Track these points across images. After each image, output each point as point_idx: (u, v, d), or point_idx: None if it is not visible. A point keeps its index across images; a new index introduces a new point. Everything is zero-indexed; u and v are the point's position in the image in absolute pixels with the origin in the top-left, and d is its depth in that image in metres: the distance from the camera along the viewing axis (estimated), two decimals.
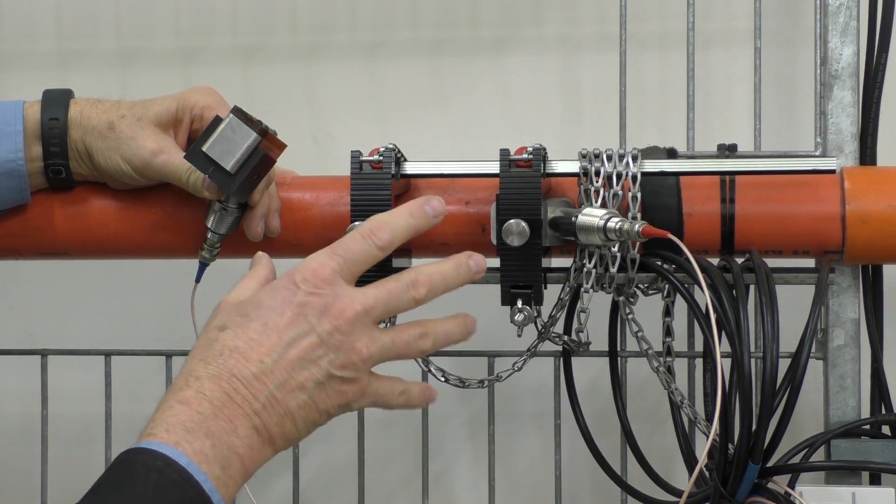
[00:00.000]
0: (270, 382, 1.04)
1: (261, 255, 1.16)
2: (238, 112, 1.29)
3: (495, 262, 1.32)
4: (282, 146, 1.32)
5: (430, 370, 1.39)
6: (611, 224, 1.25)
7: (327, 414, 1.08)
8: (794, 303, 1.54)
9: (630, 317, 1.37)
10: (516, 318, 1.31)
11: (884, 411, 1.48)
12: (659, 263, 1.33)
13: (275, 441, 1.05)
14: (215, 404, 1.02)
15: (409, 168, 1.35)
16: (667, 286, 1.37)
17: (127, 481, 0.98)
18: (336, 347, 1.07)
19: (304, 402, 1.06)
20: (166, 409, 1.02)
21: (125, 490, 0.97)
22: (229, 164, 1.28)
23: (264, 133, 1.29)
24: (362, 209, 1.31)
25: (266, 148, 1.29)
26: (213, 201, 1.35)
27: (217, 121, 1.30)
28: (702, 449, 1.31)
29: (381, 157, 1.32)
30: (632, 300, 1.37)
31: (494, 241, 1.31)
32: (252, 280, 1.13)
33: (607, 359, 1.45)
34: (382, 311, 1.09)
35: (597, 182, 1.32)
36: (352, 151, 1.33)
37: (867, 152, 1.46)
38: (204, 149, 1.29)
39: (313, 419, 1.07)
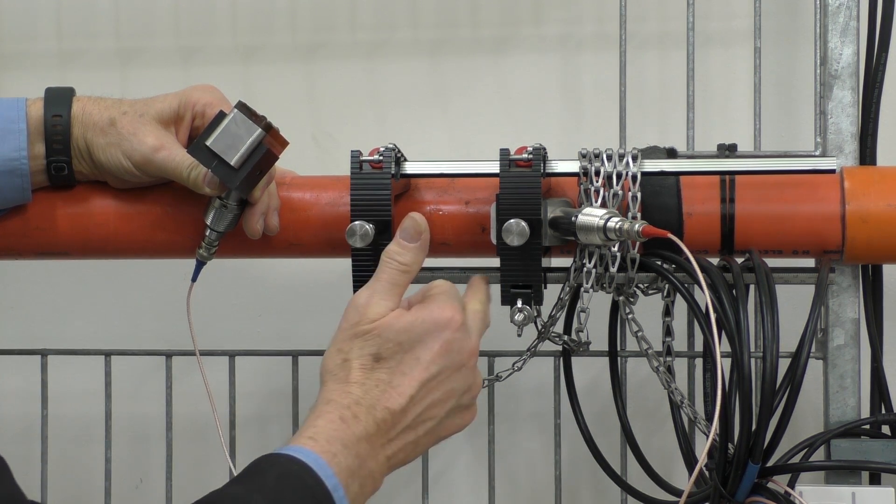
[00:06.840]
0: (412, 413, 1.16)
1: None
2: (242, 107, 1.29)
3: (495, 262, 1.32)
4: (284, 143, 1.31)
5: None
6: (611, 224, 1.25)
7: (438, 439, 1.19)
8: (794, 303, 1.54)
9: (630, 316, 1.37)
10: (516, 317, 1.30)
11: (883, 411, 1.48)
12: (659, 263, 1.33)
13: (392, 467, 1.16)
14: (369, 431, 1.13)
15: (409, 168, 1.35)
16: (667, 286, 1.37)
17: (271, 478, 1.06)
18: (465, 380, 1.19)
19: (430, 429, 1.17)
20: (323, 418, 1.12)
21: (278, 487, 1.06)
22: (233, 158, 1.28)
23: (268, 128, 1.29)
24: (362, 209, 1.31)
25: (269, 143, 1.29)
26: (213, 198, 1.35)
27: (221, 115, 1.29)
28: (702, 449, 1.31)
29: (380, 157, 1.32)
30: (632, 300, 1.37)
31: (494, 240, 1.31)
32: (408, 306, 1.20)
33: (607, 359, 1.45)
34: None
35: (597, 182, 1.31)
36: (352, 151, 1.33)
37: (867, 152, 1.46)
38: (207, 143, 1.28)
39: (428, 444, 1.18)
